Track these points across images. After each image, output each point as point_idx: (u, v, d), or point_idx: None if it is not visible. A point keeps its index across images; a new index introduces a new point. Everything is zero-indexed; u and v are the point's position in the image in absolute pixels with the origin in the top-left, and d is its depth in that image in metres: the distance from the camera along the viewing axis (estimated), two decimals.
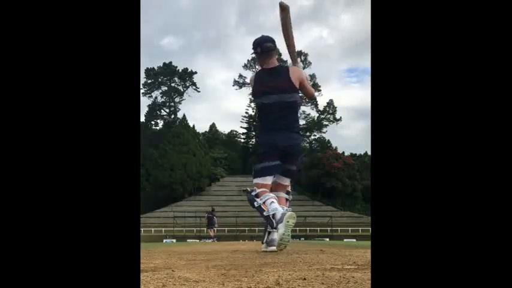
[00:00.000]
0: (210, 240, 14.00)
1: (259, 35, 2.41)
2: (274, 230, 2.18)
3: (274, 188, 2.48)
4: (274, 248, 2.27)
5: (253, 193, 2.35)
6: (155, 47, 62.10)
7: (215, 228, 14.78)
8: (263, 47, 2.35)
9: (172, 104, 41.72)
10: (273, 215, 2.19)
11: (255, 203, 2.29)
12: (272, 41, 2.39)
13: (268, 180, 2.39)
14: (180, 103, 41.91)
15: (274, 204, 2.24)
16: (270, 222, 2.21)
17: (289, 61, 2.57)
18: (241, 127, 41.57)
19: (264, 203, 2.26)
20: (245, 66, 39.27)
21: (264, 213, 2.22)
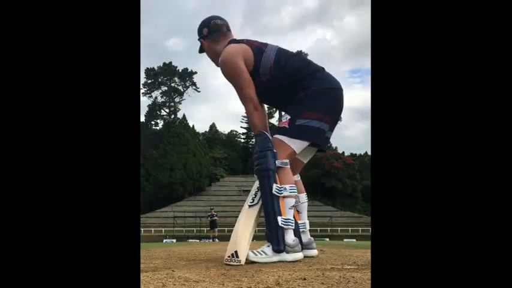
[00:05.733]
0: (208, 241, 14.10)
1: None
2: (271, 249, 1.47)
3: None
4: (316, 251, 1.76)
5: (278, 161, 1.52)
6: (160, 48, 62.29)
7: (216, 229, 14.94)
8: (210, 25, 1.72)
9: (173, 104, 41.76)
10: (283, 230, 1.49)
11: (274, 188, 1.49)
12: (222, 18, 1.76)
13: (300, 146, 1.58)
14: (180, 103, 41.98)
15: (291, 213, 1.53)
16: (271, 233, 1.48)
17: None
18: (241, 127, 41.65)
19: (283, 198, 1.50)
20: None
21: (279, 220, 1.47)
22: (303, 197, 1.82)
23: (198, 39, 1.79)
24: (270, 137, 1.59)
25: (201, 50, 1.81)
